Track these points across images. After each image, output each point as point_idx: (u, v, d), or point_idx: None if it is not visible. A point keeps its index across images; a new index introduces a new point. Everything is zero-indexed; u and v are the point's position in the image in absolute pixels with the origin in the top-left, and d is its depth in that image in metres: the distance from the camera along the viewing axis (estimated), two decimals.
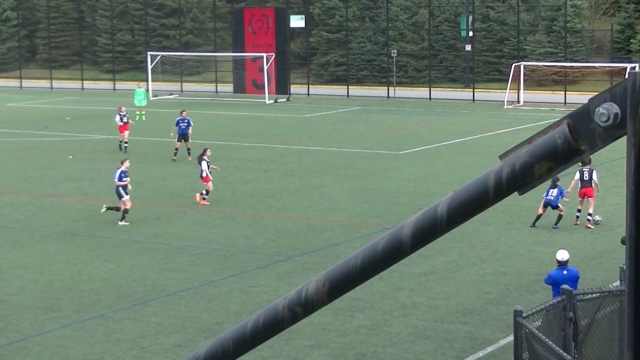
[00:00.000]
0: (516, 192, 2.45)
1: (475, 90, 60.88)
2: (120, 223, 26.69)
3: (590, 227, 25.63)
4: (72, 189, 32.05)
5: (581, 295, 14.23)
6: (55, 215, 28.06)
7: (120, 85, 70.65)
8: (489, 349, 17.08)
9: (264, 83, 62.15)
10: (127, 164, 27.70)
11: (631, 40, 61.98)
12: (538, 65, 59.54)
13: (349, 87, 64.86)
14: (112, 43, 76.46)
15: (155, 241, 25.01)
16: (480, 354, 16.87)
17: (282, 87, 64.40)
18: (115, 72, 73.40)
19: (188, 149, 37.74)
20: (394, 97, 62.60)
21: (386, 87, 63.78)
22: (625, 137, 2.30)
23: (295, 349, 16.99)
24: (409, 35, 68.75)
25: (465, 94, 62.04)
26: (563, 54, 61.57)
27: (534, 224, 25.73)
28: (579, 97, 54.10)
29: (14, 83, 75.82)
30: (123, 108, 41.41)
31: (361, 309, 19.06)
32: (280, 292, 19.74)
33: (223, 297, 20.17)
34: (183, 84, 69.54)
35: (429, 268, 21.90)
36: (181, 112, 39.11)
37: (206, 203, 29.11)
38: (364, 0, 71.25)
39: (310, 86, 66.11)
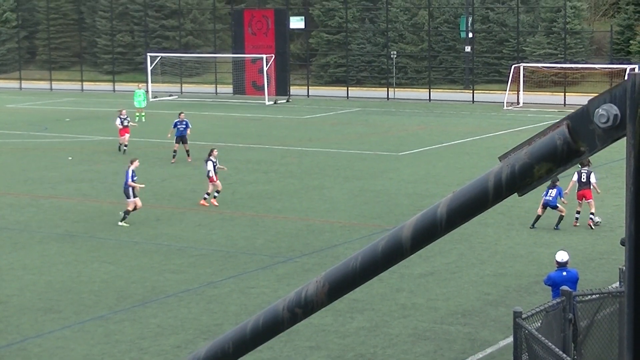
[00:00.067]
0: (516, 193, 2.45)
1: (474, 91, 60.90)
2: (120, 223, 26.70)
3: (591, 226, 25.67)
4: (72, 190, 32.04)
5: (581, 297, 14.23)
6: (55, 217, 28.06)
7: (120, 86, 70.67)
8: (489, 350, 17.08)
9: (264, 84, 62.17)
10: (136, 163, 27.69)
11: (631, 42, 61.99)
12: (538, 67, 59.55)
13: (349, 88, 64.88)
14: (111, 44, 76.47)
15: (155, 242, 25.01)
16: (480, 355, 16.87)
17: (281, 89, 64.42)
18: (115, 74, 73.41)
19: (187, 151, 37.71)
20: (394, 99, 62.62)
21: (386, 89, 63.79)
22: (625, 138, 2.30)
23: (294, 350, 16.99)
24: (408, 36, 68.77)
25: (465, 95, 62.06)
26: (562, 55, 61.58)
27: (533, 225, 25.74)
28: (579, 99, 54.11)
29: (14, 84, 75.83)
30: (124, 111, 41.39)
31: (361, 310, 19.06)
32: (280, 293, 19.73)
33: (223, 298, 20.17)
34: (183, 85, 69.55)
35: (429, 269, 21.90)
36: (179, 114, 39.09)
37: (205, 204, 29.10)
38: (363, 1, 71.26)
39: (309, 87, 66.12)
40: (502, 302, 19.54)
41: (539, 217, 25.64)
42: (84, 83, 73.53)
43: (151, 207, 27.77)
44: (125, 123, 40.41)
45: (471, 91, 61.21)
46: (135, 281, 21.48)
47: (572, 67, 59.96)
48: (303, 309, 2.72)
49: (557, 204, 25.33)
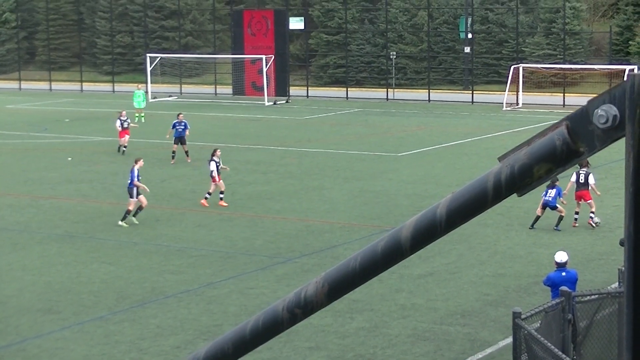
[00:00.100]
0: (515, 193, 2.46)
1: (474, 92, 60.92)
2: (119, 223, 26.71)
3: (592, 225, 25.71)
4: (72, 191, 32.05)
5: (580, 297, 14.24)
6: (55, 217, 28.07)
7: (120, 87, 70.68)
8: (488, 350, 17.09)
9: (263, 85, 62.17)
10: (141, 162, 27.70)
11: (630, 42, 62.00)
12: (537, 67, 59.57)
13: (348, 89, 64.90)
14: (111, 45, 76.47)
15: (155, 243, 25.01)
16: (480, 355, 16.87)
17: (281, 89, 64.43)
18: (115, 74, 73.43)
19: (186, 152, 37.73)
20: (393, 99, 62.63)
21: (385, 89, 63.81)
22: (624, 138, 2.30)
23: (294, 350, 16.99)
24: (408, 37, 68.77)
25: (464, 95, 62.07)
26: (562, 56, 61.60)
27: (532, 225, 25.75)
28: (578, 99, 54.12)
29: (13, 85, 75.84)
30: (124, 112, 41.39)
31: (360, 311, 19.07)
32: (280, 294, 19.73)
33: (222, 299, 20.17)
34: (182, 85, 69.56)
35: (428, 270, 21.90)
36: (178, 115, 39.09)
37: (206, 204, 29.09)
38: (363, 2, 71.27)
39: (309, 88, 66.14)
40: (502, 303, 19.54)
41: (538, 217, 25.65)
42: (84, 84, 73.53)
43: (151, 208, 27.77)
44: (125, 125, 40.40)
45: (470, 92, 61.22)
46: (135, 282, 21.49)
47: (571, 68, 59.98)
48: (302, 309, 2.72)
49: (557, 205, 25.34)
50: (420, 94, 63.29)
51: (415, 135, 45.21)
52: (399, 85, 65.08)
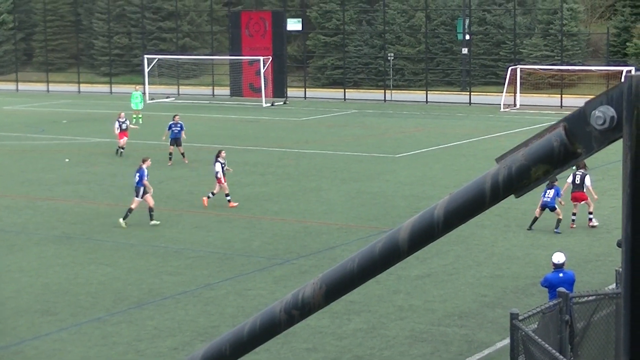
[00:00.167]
0: (513, 195, 2.46)
1: (471, 93, 60.94)
2: (120, 220, 26.74)
3: (594, 225, 25.80)
4: (69, 192, 32.02)
5: (577, 298, 14.24)
6: (52, 219, 28.04)
7: (117, 88, 70.64)
8: (486, 351, 17.09)
9: (261, 86, 62.16)
10: (149, 162, 27.79)
11: (627, 44, 62.04)
12: (534, 69, 59.60)
13: (346, 90, 64.90)
14: (108, 46, 76.44)
15: (152, 244, 25.00)
16: (477, 356, 16.88)
17: (279, 91, 64.42)
18: (112, 75, 73.40)
19: (182, 153, 37.76)
20: (391, 100, 62.63)
21: (383, 91, 63.82)
22: (622, 140, 2.30)
23: (292, 352, 16.99)
24: (405, 38, 68.79)
25: (462, 97, 62.08)
26: (559, 57, 61.64)
27: (530, 227, 25.75)
28: (575, 101, 54.13)
29: (10, 86, 75.79)
30: (122, 114, 41.38)
31: (358, 312, 19.06)
32: (277, 295, 19.72)
33: (220, 300, 20.16)
34: (180, 87, 69.53)
35: (426, 271, 21.90)
36: (174, 117, 39.10)
37: (206, 204, 29.18)
38: (360, 3, 71.29)
39: (307, 89, 66.13)
40: (499, 304, 19.55)
41: (536, 218, 25.65)
42: (81, 85, 73.49)
43: (143, 209, 27.72)
44: (124, 127, 40.38)
45: (468, 93, 61.24)
46: (132, 283, 21.47)
47: (568, 69, 60.02)
48: (300, 310, 2.72)
49: (555, 206, 25.36)
50: (418, 95, 63.30)
51: (412, 137, 45.21)
52: (396, 87, 65.09)
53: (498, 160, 2.47)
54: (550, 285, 16.66)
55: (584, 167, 26.03)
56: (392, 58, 64.82)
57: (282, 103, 62.30)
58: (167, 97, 65.72)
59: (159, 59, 66.66)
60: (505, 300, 19.72)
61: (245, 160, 38.28)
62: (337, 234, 25.81)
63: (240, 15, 68.11)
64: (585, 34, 65.59)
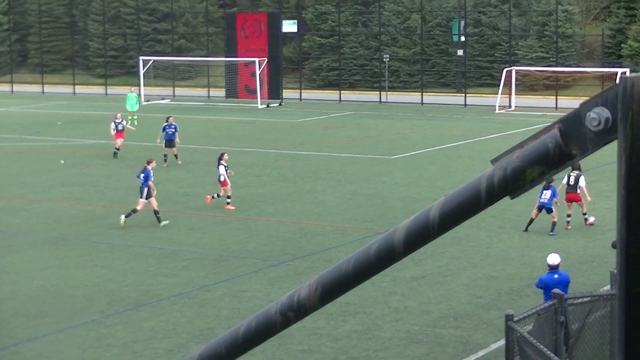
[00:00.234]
0: (508, 196, 2.46)
1: (467, 95, 60.98)
2: (122, 217, 26.78)
3: (591, 223, 25.89)
4: (65, 194, 32.00)
5: (572, 300, 14.25)
6: (48, 220, 28.02)
7: (112, 90, 70.59)
8: (481, 353, 17.11)
9: (257, 88, 62.16)
10: (153, 164, 27.94)
11: (622, 45, 62.13)
12: (530, 70, 59.66)
13: (341, 91, 64.92)
14: (104, 48, 76.38)
15: (148, 246, 24.99)
16: (472, 358, 16.89)
17: (274, 92, 64.41)
18: (107, 77, 73.34)
19: (175, 155, 37.81)
20: (386, 102, 62.66)
21: (378, 92, 63.85)
22: (616, 141, 2.31)
23: (287, 353, 16.99)
24: (401, 40, 68.82)
25: (457, 98, 62.11)
26: (554, 59, 61.71)
27: (526, 228, 25.77)
28: (570, 102, 54.17)
29: (5, 88, 75.70)
30: (118, 115, 41.36)
31: (353, 314, 19.07)
32: (273, 296, 19.72)
33: (215, 302, 20.16)
34: (175, 88, 69.50)
35: (421, 272, 21.91)
36: (167, 118, 39.10)
37: (209, 202, 29.23)
38: (356, 5, 71.31)
39: (302, 91, 66.14)
40: (494, 305, 19.56)
41: (532, 220, 25.67)
42: (76, 86, 73.43)
43: (144, 211, 27.72)
44: (120, 127, 40.37)
45: (463, 94, 61.28)
46: (128, 285, 21.46)
47: (563, 71, 60.08)
48: (295, 312, 2.72)
49: (552, 207, 25.39)
50: (414, 96, 63.33)
51: (408, 138, 45.24)
52: (392, 88, 65.12)
53: (493, 161, 2.48)
54: (545, 287, 16.68)
55: (579, 168, 26.08)
56: (388, 59, 64.86)
57: (277, 104, 62.30)
58: (162, 99, 65.69)
59: (154, 61, 66.62)
60: (500, 302, 19.74)
61: (241, 161, 38.27)
62: (333, 235, 25.82)
63: (236, 16, 68.11)
64: (580, 36, 65.68)
